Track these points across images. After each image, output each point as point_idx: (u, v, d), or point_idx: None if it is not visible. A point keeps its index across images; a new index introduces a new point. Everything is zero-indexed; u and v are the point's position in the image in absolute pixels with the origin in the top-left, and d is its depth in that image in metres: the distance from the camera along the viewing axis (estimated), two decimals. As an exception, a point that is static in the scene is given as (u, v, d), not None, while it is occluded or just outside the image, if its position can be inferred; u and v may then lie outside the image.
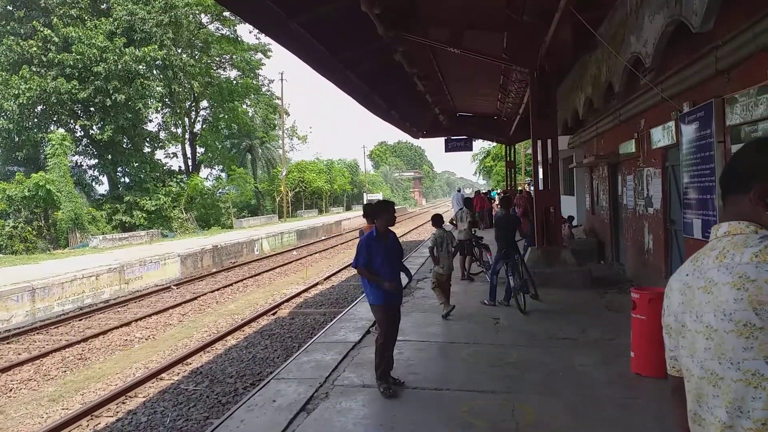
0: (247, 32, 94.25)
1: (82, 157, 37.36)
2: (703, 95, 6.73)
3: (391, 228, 5.83)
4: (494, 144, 43.78)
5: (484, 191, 34.90)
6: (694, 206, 7.20)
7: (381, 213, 5.71)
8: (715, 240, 1.52)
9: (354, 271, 18.93)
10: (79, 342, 10.89)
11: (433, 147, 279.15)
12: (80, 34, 31.38)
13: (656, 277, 9.26)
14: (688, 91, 7.27)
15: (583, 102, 11.83)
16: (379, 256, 5.50)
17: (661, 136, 8.59)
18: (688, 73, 7.07)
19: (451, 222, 14.43)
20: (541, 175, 11.71)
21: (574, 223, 17.28)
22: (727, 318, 1.37)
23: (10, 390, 8.49)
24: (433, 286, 8.69)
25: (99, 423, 6.96)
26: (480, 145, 52.19)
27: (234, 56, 44.86)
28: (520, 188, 30.07)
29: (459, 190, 36.46)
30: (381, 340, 5.59)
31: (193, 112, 44.98)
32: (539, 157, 11.51)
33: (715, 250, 1.48)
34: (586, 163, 14.47)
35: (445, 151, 26.87)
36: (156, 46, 33.23)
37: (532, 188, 25.09)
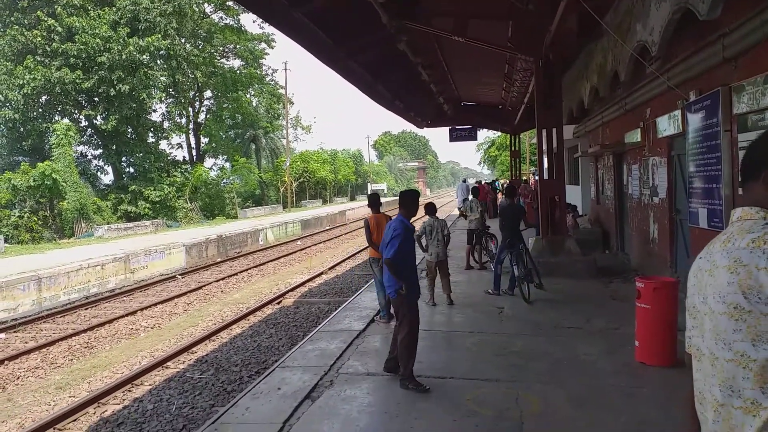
0: (250, 22, 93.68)
1: (86, 147, 37.46)
2: (710, 83, 6.68)
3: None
4: (499, 133, 43.67)
5: (486, 181, 34.84)
6: (700, 195, 7.17)
7: (414, 203, 5.66)
8: (730, 225, 1.56)
9: (358, 261, 19.08)
10: (85, 331, 10.97)
11: (437, 137, 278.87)
12: (84, 24, 31.32)
13: (661, 266, 9.24)
14: (695, 80, 7.22)
15: (588, 91, 11.77)
16: (409, 246, 5.36)
17: (667, 125, 8.53)
18: (695, 61, 7.02)
19: (461, 213, 14.47)
20: (546, 165, 11.67)
21: (580, 212, 17.25)
22: (721, 300, 1.45)
23: (18, 378, 8.57)
24: (425, 274, 8.77)
25: (106, 410, 7.01)
26: (484, 134, 52.12)
27: (238, 46, 44.76)
28: (525, 178, 30.00)
29: (464, 181, 36.44)
30: (411, 335, 5.29)
31: (197, 102, 44.99)
32: (544, 147, 11.46)
33: (725, 234, 1.53)
34: (592, 153, 14.41)
35: (450, 140, 26.79)
36: (160, 36, 33.16)
37: (536, 178, 25.03)
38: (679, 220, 8.61)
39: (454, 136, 26.52)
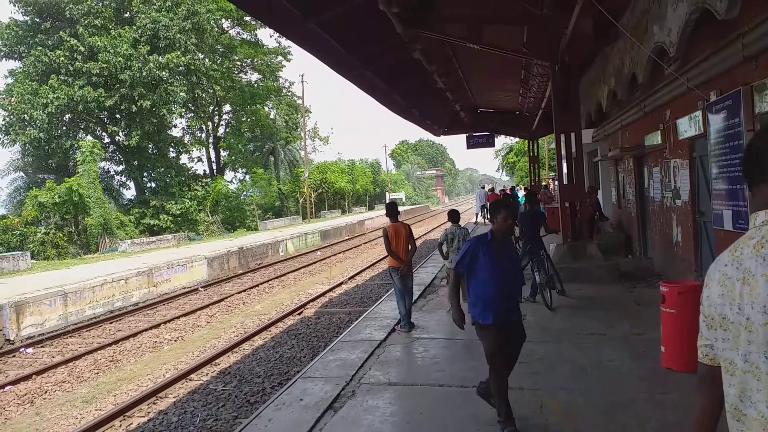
0: (267, 36, 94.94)
1: (109, 163, 38.16)
2: (731, 83, 6.58)
3: (502, 231, 4.49)
4: (517, 139, 43.48)
5: (501, 188, 34.61)
6: (724, 197, 7.04)
7: (500, 212, 4.47)
8: (754, 229, 1.46)
9: (377, 270, 19.07)
10: (110, 344, 11.11)
11: (454, 144, 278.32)
12: (105, 43, 32.00)
13: (686, 270, 9.08)
14: (715, 80, 7.11)
15: (606, 94, 11.67)
16: (487, 267, 4.36)
17: (687, 127, 8.41)
18: (714, 61, 6.92)
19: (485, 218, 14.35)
20: (565, 170, 11.58)
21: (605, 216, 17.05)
22: (762, 311, 1.33)
23: (45, 392, 8.70)
24: (446, 282, 8.76)
25: (131, 423, 7.08)
26: (502, 141, 51.90)
27: (255, 59, 45.31)
28: (544, 183, 29.77)
29: (483, 187, 36.27)
30: (492, 380, 4.38)
31: (216, 116, 45.58)
32: (563, 152, 11.39)
33: (753, 239, 1.43)
34: (611, 156, 14.26)
35: (467, 148, 26.72)
36: (179, 53, 33.72)
37: (556, 183, 24.80)
38: (703, 223, 8.47)
39: (472, 143, 26.45)
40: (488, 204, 12.05)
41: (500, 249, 4.43)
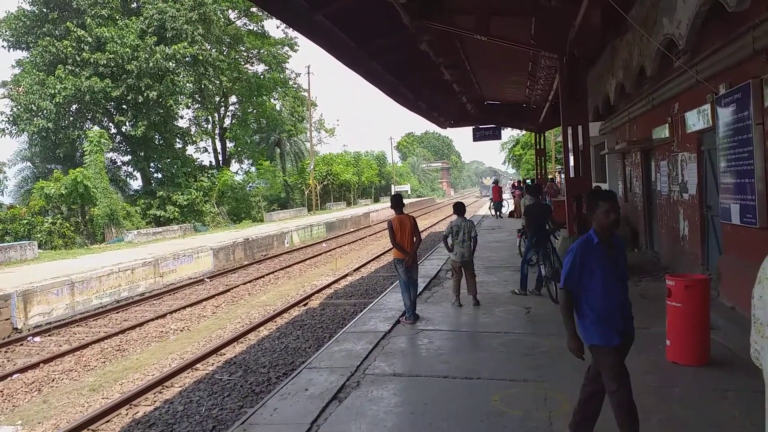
0: (274, 27, 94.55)
1: (115, 153, 38.23)
2: (740, 76, 6.52)
3: (606, 229, 3.68)
4: (523, 132, 43.26)
5: (511, 179, 34.43)
6: (732, 191, 7.00)
7: (597, 204, 3.66)
8: None
9: (383, 262, 19.11)
10: (116, 334, 11.19)
11: (460, 137, 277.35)
12: (113, 33, 32.00)
13: (692, 264, 9.05)
14: (724, 73, 7.06)
15: (614, 87, 11.58)
16: (604, 277, 3.62)
17: (696, 120, 8.35)
18: (724, 54, 6.86)
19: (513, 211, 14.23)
20: (572, 163, 11.52)
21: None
22: None
23: (53, 380, 8.78)
24: (451, 274, 8.77)
25: (137, 411, 7.15)
26: (509, 133, 51.64)
27: (261, 51, 45.21)
28: (550, 176, 29.66)
29: (496, 182, 36.08)
30: (623, 399, 3.64)
31: (223, 108, 45.57)
32: (570, 145, 11.31)
33: None
34: (618, 150, 14.18)
35: (473, 140, 26.65)
36: (186, 43, 33.69)
37: (562, 176, 24.70)
38: (710, 217, 8.42)
39: (478, 136, 26.38)
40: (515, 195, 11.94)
41: (611, 252, 3.68)
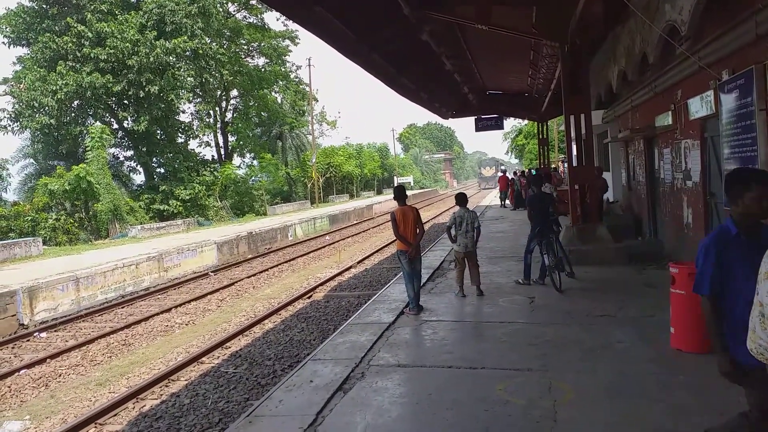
0: (274, 20, 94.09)
1: (118, 149, 38.21)
2: (743, 62, 6.47)
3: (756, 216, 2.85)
4: (526, 122, 43.16)
5: (516, 169, 34.39)
6: (735, 178, 6.96)
7: (749, 187, 2.78)
8: None
9: (386, 254, 19.14)
10: (122, 328, 11.24)
11: (463, 127, 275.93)
12: (113, 28, 31.91)
13: (696, 251, 9.01)
14: (727, 59, 7.00)
15: (616, 75, 11.53)
16: (747, 277, 2.61)
17: (699, 107, 8.31)
18: (727, 40, 6.81)
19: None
20: (575, 152, 11.50)
21: (611, 198, 16.96)
22: None
23: (60, 375, 8.84)
24: (454, 265, 8.79)
25: (144, 405, 7.19)
26: (511, 123, 51.54)
27: (262, 44, 45.07)
28: (554, 166, 29.59)
29: (504, 172, 35.94)
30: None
31: (224, 101, 45.48)
32: (572, 133, 11.30)
33: None
34: (621, 138, 14.13)
35: (476, 130, 26.59)
36: (186, 37, 33.60)
37: (565, 166, 24.65)
38: (714, 204, 8.39)
39: (480, 126, 26.31)
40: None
41: (756, 244, 2.71)
